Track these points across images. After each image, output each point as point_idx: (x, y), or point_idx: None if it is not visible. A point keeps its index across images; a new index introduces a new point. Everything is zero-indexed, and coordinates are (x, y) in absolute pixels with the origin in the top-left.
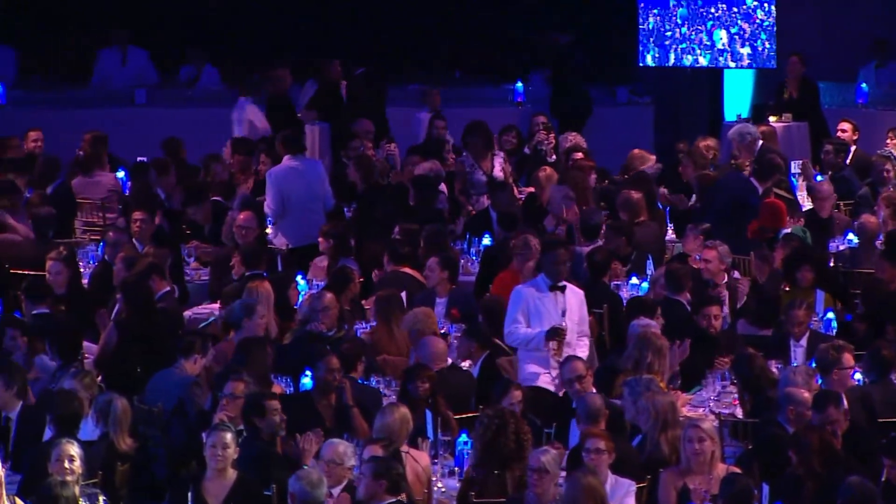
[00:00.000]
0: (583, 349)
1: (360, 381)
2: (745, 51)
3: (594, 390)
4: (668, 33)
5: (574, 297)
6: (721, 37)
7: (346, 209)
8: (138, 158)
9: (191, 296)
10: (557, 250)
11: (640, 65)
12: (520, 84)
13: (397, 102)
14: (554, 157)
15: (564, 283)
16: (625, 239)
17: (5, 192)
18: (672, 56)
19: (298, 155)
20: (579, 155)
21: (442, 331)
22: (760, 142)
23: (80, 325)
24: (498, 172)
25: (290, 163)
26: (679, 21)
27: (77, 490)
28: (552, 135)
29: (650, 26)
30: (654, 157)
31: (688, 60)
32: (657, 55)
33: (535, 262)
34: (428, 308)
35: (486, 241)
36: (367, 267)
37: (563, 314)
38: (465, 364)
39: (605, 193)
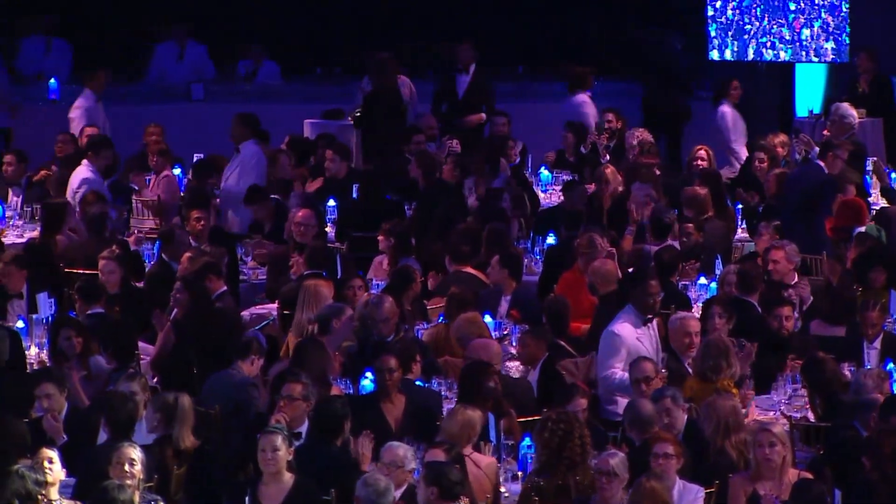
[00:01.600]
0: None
1: (418, 383)
2: (829, 45)
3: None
4: (748, 27)
5: (655, 328)
6: (805, 31)
7: (406, 206)
8: (195, 155)
9: (247, 295)
10: (649, 282)
11: (710, 59)
12: None
13: None
14: (608, 156)
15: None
16: (693, 237)
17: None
18: (751, 50)
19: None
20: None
21: (504, 331)
22: (855, 129)
23: (135, 326)
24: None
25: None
26: (759, 14)
27: (137, 496)
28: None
29: (728, 19)
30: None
31: (769, 55)
32: (736, 49)
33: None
34: (475, 313)
35: (551, 240)
36: (427, 266)
37: (658, 349)
38: (515, 365)
39: (670, 189)
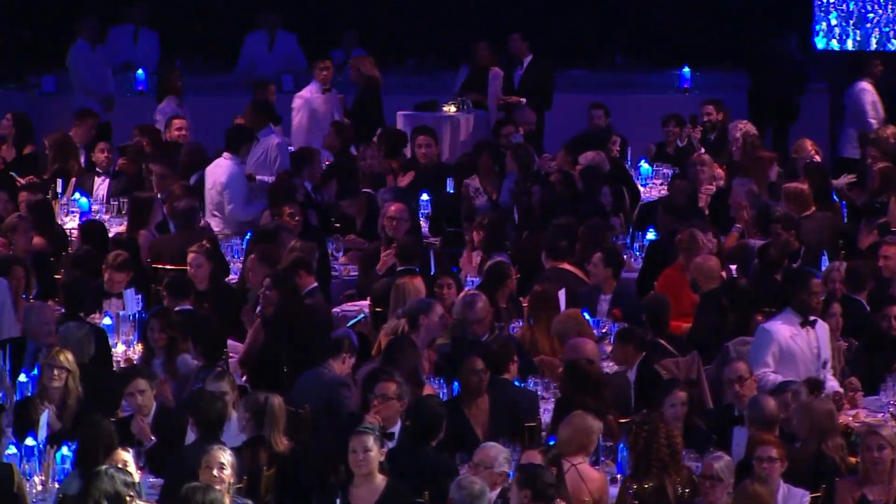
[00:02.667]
0: (831, 383)
1: (515, 383)
2: None
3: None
4: (871, 15)
5: (823, 330)
6: None
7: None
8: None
9: (338, 292)
10: (810, 281)
11: (819, 49)
12: (687, 69)
13: (557, 88)
14: (703, 149)
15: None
16: (793, 233)
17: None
18: (874, 40)
19: None
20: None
21: (603, 330)
22: None
23: (224, 323)
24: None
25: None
26: (882, 2)
27: (227, 499)
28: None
29: (849, 8)
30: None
31: (893, 45)
32: (859, 38)
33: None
34: (575, 309)
35: (651, 235)
36: (524, 262)
37: (819, 353)
38: (611, 365)
39: (772, 186)
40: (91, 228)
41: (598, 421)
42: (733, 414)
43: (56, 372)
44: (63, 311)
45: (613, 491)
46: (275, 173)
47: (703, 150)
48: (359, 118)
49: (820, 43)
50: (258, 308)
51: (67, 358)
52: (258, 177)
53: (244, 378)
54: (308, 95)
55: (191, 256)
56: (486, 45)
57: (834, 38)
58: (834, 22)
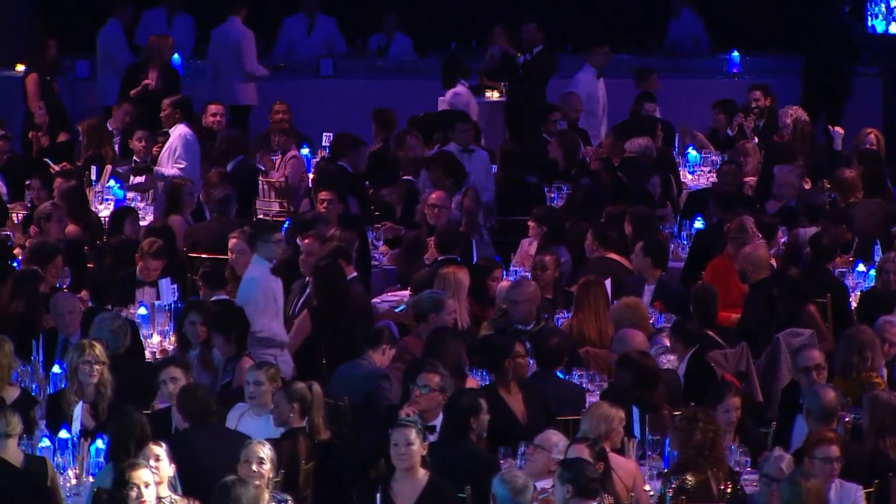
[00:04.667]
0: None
1: (559, 376)
2: None
3: None
4: None
5: None
6: None
7: (546, 188)
8: (324, 134)
9: (378, 282)
10: None
11: (871, 32)
12: (736, 54)
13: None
14: (756, 139)
15: None
16: (844, 226)
17: None
18: None
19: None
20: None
21: (650, 321)
22: None
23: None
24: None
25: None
26: None
27: (266, 494)
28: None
29: None
30: None
31: None
32: None
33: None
34: (635, 298)
35: (699, 223)
36: (572, 251)
37: None
38: (671, 358)
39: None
40: (122, 216)
41: (620, 410)
42: (798, 401)
43: (94, 367)
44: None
45: (658, 485)
46: (189, 164)
47: (755, 139)
48: None
49: (879, 26)
50: (300, 298)
51: (101, 351)
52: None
53: None
54: None
55: (232, 242)
56: (536, 26)
57: (894, 20)
58: (894, 4)
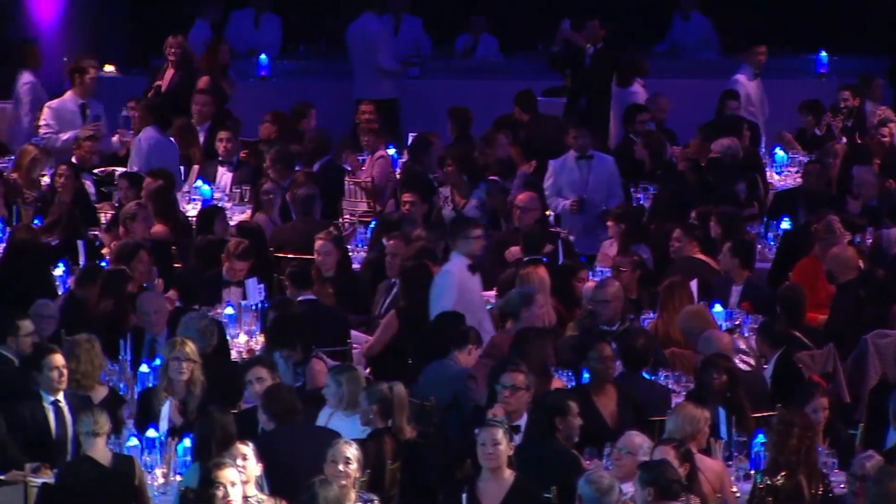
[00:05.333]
0: None
1: (645, 376)
2: None
3: None
4: None
5: None
6: None
7: (632, 189)
8: (410, 134)
9: None
10: None
11: None
12: (824, 53)
13: (690, 74)
14: (844, 138)
15: None
16: None
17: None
18: None
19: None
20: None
21: (736, 322)
22: None
23: (348, 313)
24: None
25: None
26: None
27: (353, 494)
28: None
29: None
30: None
31: None
32: None
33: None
34: (699, 305)
35: (786, 224)
36: (657, 252)
37: None
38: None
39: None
40: (209, 215)
41: (705, 410)
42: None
43: (184, 365)
44: (179, 302)
45: (746, 486)
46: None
47: (843, 139)
48: None
49: None
50: (387, 298)
51: (193, 349)
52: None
53: (367, 370)
54: None
55: (319, 243)
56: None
57: None
58: None
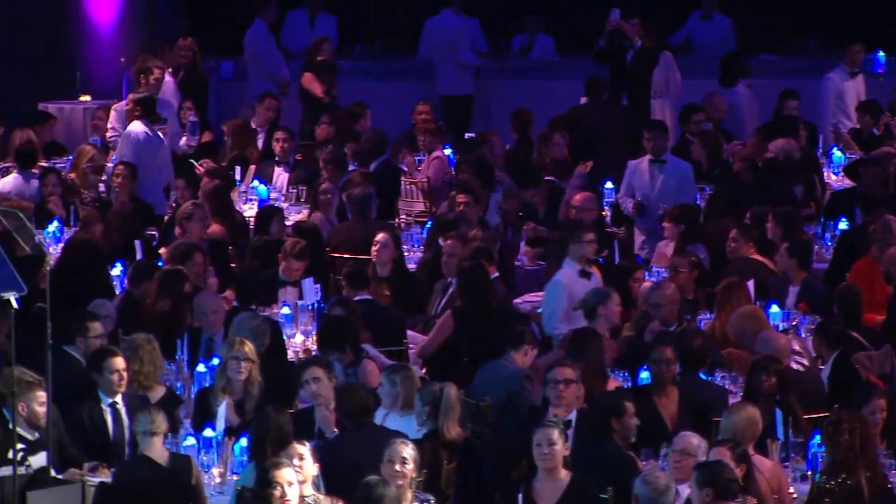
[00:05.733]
0: None
1: (702, 377)
2: None
3: None
4: None
5: None
6: None
7: None
8: (466, 134)
9: (520, 283)
10: None
11: None
12: (881, 53)
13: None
14: None
15: None
16: None
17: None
18: None
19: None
20: None
21: (792, 322)
22: None
23: (405, 313)
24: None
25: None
26: None
27: (409, 494)
28: None
29: None
30: None
31: None
32: None
33: None
34: (753, 307)
35: (843, 224)
36: (714, 252)
37: None
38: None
39: None
40: (266, 215)
41: (754, 406)
42: None
43: (242, 364)
44: (236, 302)
45: (804, 488)
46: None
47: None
48: None
49: None
50: (443, 298)
51: (251, 349)
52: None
53: (423, 370)
54: None
55: (380, 236)
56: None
57: None
58: None
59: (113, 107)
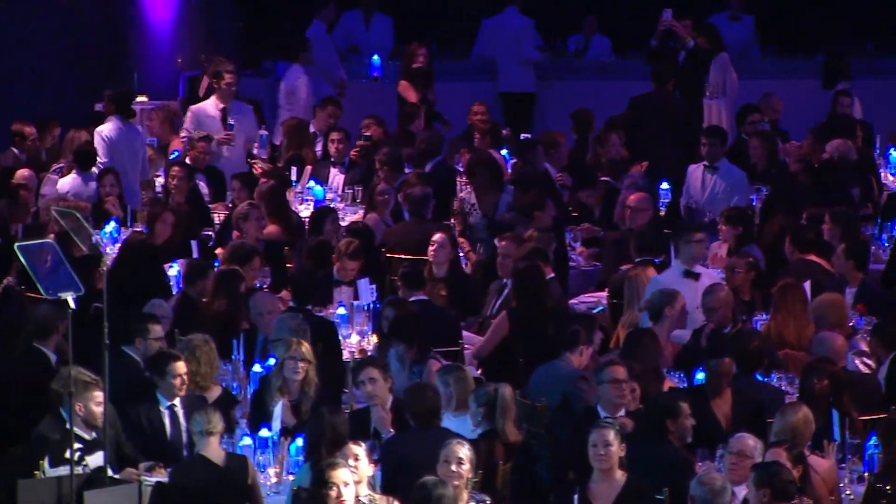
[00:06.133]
0: None
1: (757, 378)
2: None
3: None
4: None
5: None
6: None
7: None
8: (522, 135)
9: (575, 283)
10: None
11: None
12: None
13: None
14: None
15: None
16: None
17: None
18: None
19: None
20: None
21: (850, 323)
22: None
23: (461, 314)
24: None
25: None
26: None
27: (465, 494)
28: None
29: None
30: None
31: None
32: None
33: None
34: (837, 294)
35: None
36: (769, 253)
37: None
38: (868, 362)
39: None
40: (321, 216)
41: (808, 407)
42: None
43: (300, 365)
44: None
45: (860, 489)
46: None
47: None
48: None
49: None
50: (498, 299)
51: (308, 349)
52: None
53: (479, 370)
54: None
55: (438, 236)
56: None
57: None
58: None
59: (190, 107)
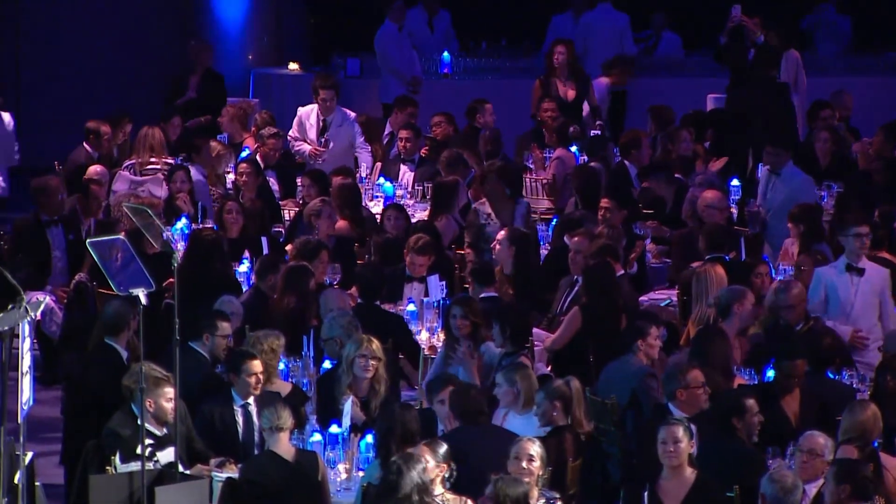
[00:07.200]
0: None
1: (828, 376)
2: None
3: None
4: None
5: None
6: None
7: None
8: (591, 132)
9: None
10: None
11: None
12: None
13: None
14: None
15: None
16: None
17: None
18: None
19: None
20: None
21: None
22: None
23: (530, 310)
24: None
25: None
26: None
27: (536, 492)
28: None
29: None
30: None
31: None
32: None
33: None
34: None
35: None
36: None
37: None
38: None
39: None
40: (387, 213)
41: (876, 405)
42: None
43: (371, 362)
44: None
45: None
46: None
47: None
48: None
49: None
50: (568, 295)
51: (378, 347)
52: None
53: (549, 367)
54: None
55: (500, 234)
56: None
57: None
58: None
59: (300, 108)
